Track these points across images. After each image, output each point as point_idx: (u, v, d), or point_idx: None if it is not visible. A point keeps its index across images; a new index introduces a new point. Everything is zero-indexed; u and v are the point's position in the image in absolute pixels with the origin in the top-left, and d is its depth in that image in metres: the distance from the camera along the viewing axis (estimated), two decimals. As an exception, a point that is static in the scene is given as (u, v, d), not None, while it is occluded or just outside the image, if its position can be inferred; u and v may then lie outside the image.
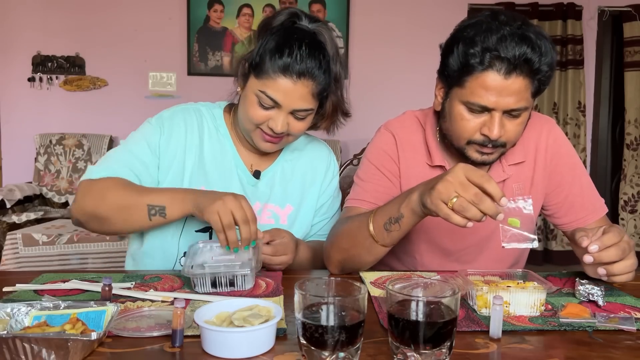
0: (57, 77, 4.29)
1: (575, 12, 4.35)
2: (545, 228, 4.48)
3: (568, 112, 4.41)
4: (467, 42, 1.05)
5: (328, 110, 1.25)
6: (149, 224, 1.13)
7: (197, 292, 1.01)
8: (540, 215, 1.35)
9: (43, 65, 4.27)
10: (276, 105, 1.14)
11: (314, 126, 1.28)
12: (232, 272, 1.01)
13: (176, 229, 1.22)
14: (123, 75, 4.31)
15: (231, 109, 1.33)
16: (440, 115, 1.21)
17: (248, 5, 4.31)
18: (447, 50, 1.11)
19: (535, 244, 0.94)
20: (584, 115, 4.43)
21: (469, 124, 1.11)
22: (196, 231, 1.24)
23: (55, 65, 4.27)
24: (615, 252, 0.95)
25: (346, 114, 1.30)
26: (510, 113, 1.08)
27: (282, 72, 1.12)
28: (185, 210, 1.11)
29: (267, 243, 1.13)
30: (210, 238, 1.24)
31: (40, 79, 4.28)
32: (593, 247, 0.95)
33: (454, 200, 0.89)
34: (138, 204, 1.11)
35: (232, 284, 1.02)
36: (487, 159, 1.15)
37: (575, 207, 1.27)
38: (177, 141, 1.24)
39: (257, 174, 1.30)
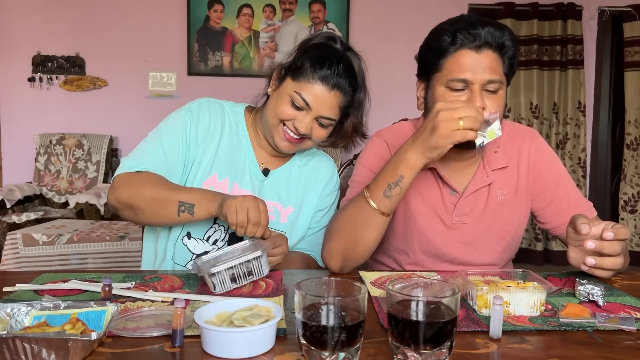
0: (57, 77, 4.29)
1: (575, 12, 4.35)
2: (545, 228, 4.48)
3: (568, 112, 4.41)
4: (438, 32, 1.19)
5: (348, 129, 1.35)
6: (176, 219, 1.18)
7: (218, 294, 1.01)
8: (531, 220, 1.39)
9: (43, 65, 4.27)
10: (306, 107, 1.24)
11: (333, 144, 1.38)
12: (245, 256, 1.02)
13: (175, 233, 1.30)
14: (123, 75, 4.31)
15: (251, 110, 1.41)
16: (424, 112, 1.28)
17: (248, 6, 4.31)
18: (422, 50, 1.24)
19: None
20: (584, 115, 4.42)
21: None
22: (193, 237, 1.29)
23: (55, 65, 4.28)
24: (618, 246, 0.97)
25: (363, 135, 1.40)
26: (487, 89, 1.16)
27: (320, 79, 1.23)
28: (210, 211, 1.15)
29: (263, 238, 1.15)
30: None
31: (40, 79, 4.28)
32: (609, 234, 0.97)
33: (461, 123, 1.00)
34: (170, 199, 1.17)
35: (249, 273, 1.04)
36: None
37: (562, 210, 1.30)
38: (203, 130, 1.31)
39: (266, 172, 1.37)
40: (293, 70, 1.26)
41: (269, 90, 1.32)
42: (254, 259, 1.04)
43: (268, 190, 1.36)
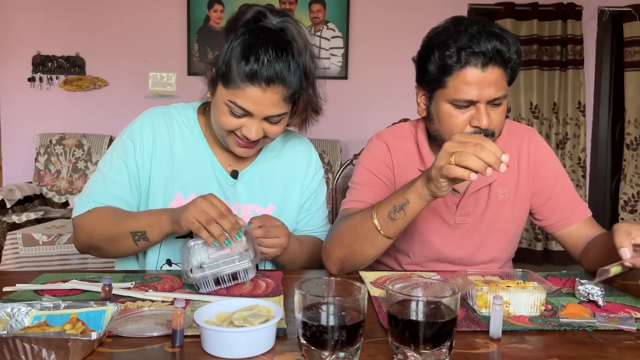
0: (57, 77, 4.29)
1: (575, 12, 4.35)
2: (545, 228, 4.48)
3: (568, 112, 4.41)
4: (442, 46, 1.14)
5: (299, 107, 1.19)
6: (137, 248, 1.16)
7: (201, 293, 1.01)
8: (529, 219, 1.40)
9: (43, 65, 4.27)
10: (248, 114, 1.11)
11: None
12: (232, 267, 1.01)
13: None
14: (123, 75, 4.31)
15: (205, 108, 1.29)
16: (427, 120, 1.27)
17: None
18: (423, 58, 1.19)
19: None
20: (584, 115, 4.42)
21: (458, 120, 1.17)
22: (176, 237, 1.22)
23: (55, 65, 4.27)
24: None
25: (316, 112, 1.24)
26: (492, 103, 1.16)
27: (249, 80, 1.07)
28: (163, 231, 1.12)
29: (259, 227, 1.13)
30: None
31: (40, 79, 4.28)
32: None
33: (453, 157, 0.93)
34: (122, 233, 1.14)
35: (234, 277, 1.03)
36: None
37: (558, 208, 1.31)
38: (148, 150, 1.23)
39: (234, 174, 1.27)
40: (222, 74, 1.11)
41: (208, 95, 1.19)
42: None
43: (242, 194, 1.27)
